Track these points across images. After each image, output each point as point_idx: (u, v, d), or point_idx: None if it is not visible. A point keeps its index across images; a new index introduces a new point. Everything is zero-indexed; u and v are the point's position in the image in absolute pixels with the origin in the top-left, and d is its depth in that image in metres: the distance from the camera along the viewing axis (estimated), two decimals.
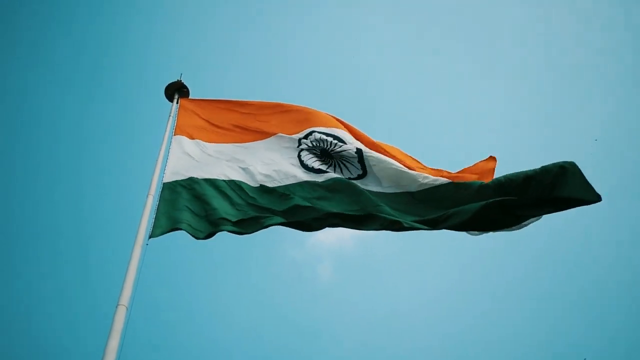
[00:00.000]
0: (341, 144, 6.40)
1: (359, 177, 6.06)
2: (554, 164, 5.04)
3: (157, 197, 5.44)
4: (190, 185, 5.77)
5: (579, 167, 4.88)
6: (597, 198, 4.75)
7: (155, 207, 5.33)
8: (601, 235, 16.65)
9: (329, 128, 6.67)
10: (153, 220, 5.15)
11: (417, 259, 18.00)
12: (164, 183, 5.73)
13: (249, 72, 21.03)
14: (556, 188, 4.92)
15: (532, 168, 5.21)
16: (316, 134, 6.54)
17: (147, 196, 5.44)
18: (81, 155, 18.49)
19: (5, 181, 17.13)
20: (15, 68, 18.68)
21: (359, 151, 6.29)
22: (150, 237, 4.96)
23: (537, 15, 20.85)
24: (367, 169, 6.16)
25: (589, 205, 4.83)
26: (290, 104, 7.22)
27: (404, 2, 22.19)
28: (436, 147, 18.61)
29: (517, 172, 5.30)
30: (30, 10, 19.05)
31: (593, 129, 19.13)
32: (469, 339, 15.84)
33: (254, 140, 6.68)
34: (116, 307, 4.21)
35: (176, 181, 5.81)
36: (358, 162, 6.22)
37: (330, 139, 6.44)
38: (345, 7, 22.12)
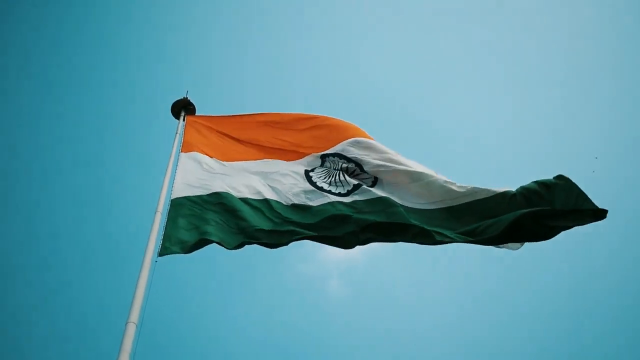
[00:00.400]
0: (344, 159, 6.44)
1: (373, 185, 6.04)
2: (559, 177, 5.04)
3: (165, 215, 5.43)
4: (217, 200, 5.73)
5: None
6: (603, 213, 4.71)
7: (164, 225, 5.31)
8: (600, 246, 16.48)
9: (353, 139, 6.68)
10: (162, 237, 5.14)
11: (426, 270, 17.90)
12: (183, 197, 5.70)
13: (256, 85, 21.11)
14: (577, 199, 4.84)
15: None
16: (334, 155, 6.56)
17: (155, 213, 5.44)
18: (88, 174, 18.58)
19: (6, 198, 17.21)
20: (16, 87, 18.85)
21: (358, 165, 6.33)
22: (168, 253, 4.94)
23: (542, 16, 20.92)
24: (378, 179, 6.14)
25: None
26: (317, 116, 7.21)
27: (409, 5, 22.28)
28: (438, 150, 18.58)
29: (532, 183, 5.24)
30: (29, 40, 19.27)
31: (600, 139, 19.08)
32: (481, 350, 15.70)
33: (278, 159, 6.69)
34: (126, 324, 4.20)
35: (199, 196, 5.78)
36: (363, 171, 6.25)
37: (342, 158, 6.48)
38: (355, 13, 22.23)
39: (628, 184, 17.41)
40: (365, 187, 5.92)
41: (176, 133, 7.03)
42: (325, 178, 6.21)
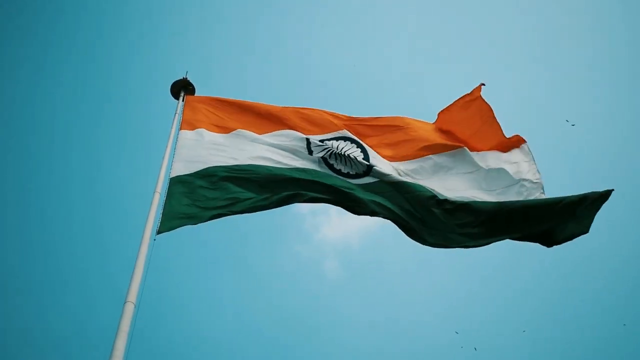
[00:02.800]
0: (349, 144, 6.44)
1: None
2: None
3: (164, 194, 5.40)
4: (215, 175, 5.75)
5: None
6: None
7: (162, 204, 5.29)
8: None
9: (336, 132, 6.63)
10: (160, 216, 5.12)
11: (422, 251, 17.91)
12: (181, 175, 5.68)
13: (257, 69, 21.01)
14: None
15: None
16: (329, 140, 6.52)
17: (153, 193, 5.42)
18: (91, 155, 18.54)
19: (14, 183, 17.19)
20: (23, 71, 18.73)
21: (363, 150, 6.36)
22: (166, 230, 4.95)
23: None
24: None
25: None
26: (305, 108, 7.10)
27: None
28: None
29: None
30: (37, 12, 19.07)
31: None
32: (474, 340, 15.76)
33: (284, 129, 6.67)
34: (124, 304, 4.19)
35: (197, 172, 5.75)
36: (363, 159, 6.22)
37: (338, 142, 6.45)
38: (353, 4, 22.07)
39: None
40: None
41: (175, 113, 6.95)
42: (332, 157, 6.24)
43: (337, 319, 17.01)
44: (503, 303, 16.55)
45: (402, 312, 16.81)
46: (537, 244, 5.45)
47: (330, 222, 19.99)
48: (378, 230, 18.77)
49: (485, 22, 21.94)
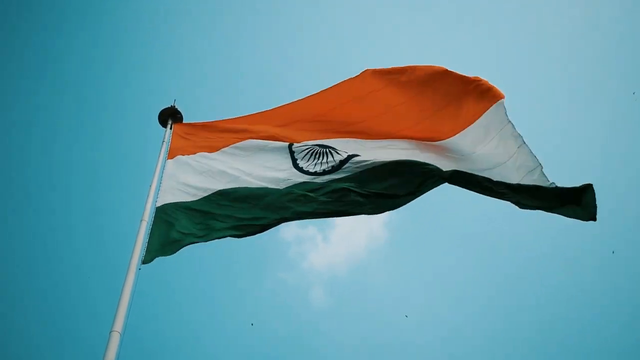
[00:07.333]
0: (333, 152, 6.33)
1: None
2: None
3: (151, 223, 5.44)
4: (200, 204, 5.79)
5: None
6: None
7: (149, 233, 5.31)
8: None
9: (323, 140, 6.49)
10: (146, 244, 5.15)
11: (409, 280, 17.91)
12: (167, 204, 5.71)
13: (245, 93, 21.11)
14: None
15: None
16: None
17: (140, 222, 5.44)
18: (76, 182, 18.47)
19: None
20: (17, 96, 18.72)
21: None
22: (151, 259, 4.94)
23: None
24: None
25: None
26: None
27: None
28: None
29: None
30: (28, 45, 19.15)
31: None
32: None
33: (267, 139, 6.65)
34: (109, 333, 4.19)
35: (183, 202, 5.78)
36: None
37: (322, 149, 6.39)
38: (345, 17, 22.27)
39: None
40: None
41: (163, 141, 6.98)
42: (308, 157, 6.25)
43: (324, 347, 16.88)
44: (494, 326, 16.53)
45: (392, 339, 16.72)
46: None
47: (316, 249, 19.94)
48: (365, 256, 18.81)
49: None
